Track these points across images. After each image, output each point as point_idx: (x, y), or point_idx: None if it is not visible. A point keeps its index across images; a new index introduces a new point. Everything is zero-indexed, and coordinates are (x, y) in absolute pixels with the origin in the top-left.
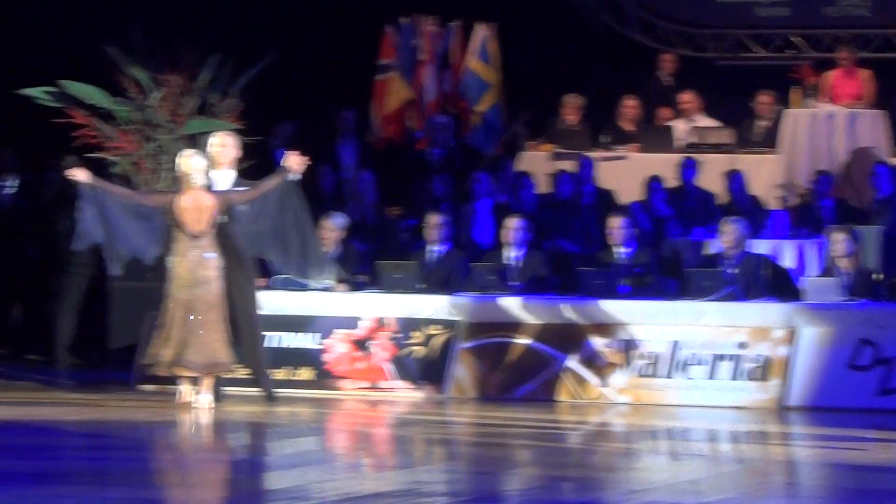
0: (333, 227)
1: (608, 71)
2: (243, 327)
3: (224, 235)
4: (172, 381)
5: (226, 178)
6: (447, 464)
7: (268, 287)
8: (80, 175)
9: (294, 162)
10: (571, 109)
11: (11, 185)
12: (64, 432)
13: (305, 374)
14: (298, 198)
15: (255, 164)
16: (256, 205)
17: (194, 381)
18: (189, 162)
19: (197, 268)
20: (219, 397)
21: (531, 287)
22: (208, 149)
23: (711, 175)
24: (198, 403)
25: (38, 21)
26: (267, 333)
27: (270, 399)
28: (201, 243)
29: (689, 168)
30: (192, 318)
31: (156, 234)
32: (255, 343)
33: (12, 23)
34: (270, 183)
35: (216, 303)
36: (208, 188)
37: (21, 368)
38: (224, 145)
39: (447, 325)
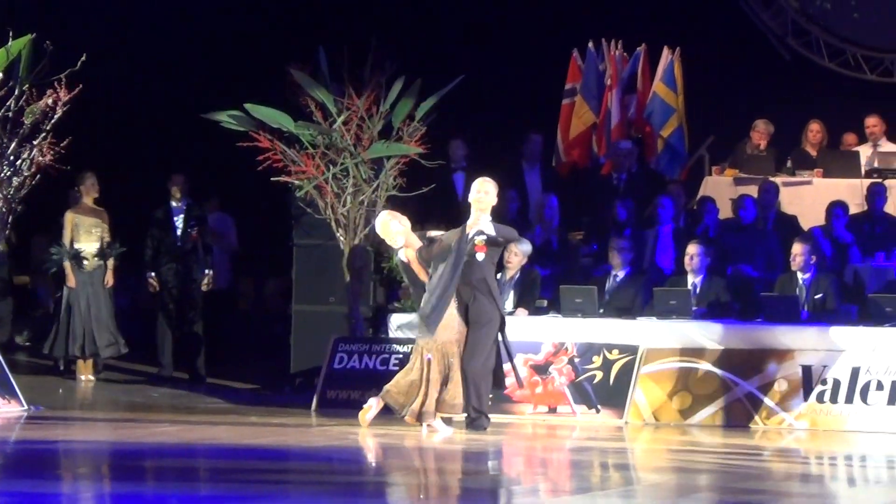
0: (518, 252)
1: (793, 96)
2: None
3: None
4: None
5: (483, 223)
6: (625, 489)
7: None
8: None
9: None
10: (761, 135)
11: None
12: (245, 455)
13: None
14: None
15: (436, 189)
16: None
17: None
18: (384, 228)
19: None
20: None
21: (712, 312)
22: (471, 195)
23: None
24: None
25: (224, 45)
26: None
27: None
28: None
29: (878, 195)
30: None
31: None
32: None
33: (198, 47)
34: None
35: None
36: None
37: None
38: (481, 192)
39: (628, 349)
